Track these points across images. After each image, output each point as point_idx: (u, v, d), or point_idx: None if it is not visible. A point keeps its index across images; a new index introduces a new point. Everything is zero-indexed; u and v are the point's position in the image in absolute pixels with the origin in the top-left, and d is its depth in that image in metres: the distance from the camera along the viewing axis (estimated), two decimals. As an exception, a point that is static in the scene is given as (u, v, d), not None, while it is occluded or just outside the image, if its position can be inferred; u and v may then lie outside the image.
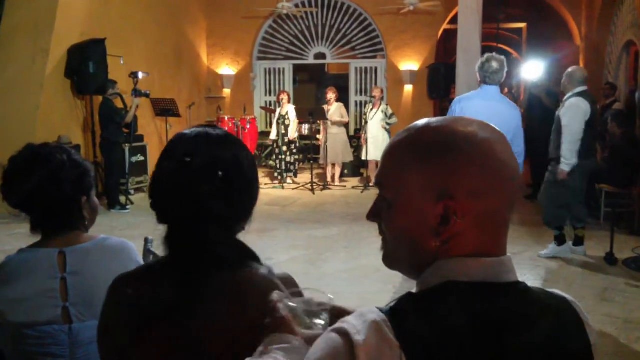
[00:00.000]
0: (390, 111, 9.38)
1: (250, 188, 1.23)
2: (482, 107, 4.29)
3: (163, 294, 1.14)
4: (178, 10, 11.06)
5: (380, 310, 0.82)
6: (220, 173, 1.15)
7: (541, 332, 0.83)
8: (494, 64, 4.36)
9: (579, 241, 5.66)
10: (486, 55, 4.48)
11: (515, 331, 0.81)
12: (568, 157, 5.14)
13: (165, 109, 9.54)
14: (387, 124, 9.30)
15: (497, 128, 0.93)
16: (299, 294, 1.09)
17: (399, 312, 0.82)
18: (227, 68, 12.63)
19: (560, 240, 5.63)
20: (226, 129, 8.08)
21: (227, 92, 12.70)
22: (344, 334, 0.80)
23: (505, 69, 4.41)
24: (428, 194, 0.84)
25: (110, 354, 1.19)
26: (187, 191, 1.14)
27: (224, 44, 12.46)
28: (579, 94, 5.24)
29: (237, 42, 12.42)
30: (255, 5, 11.45)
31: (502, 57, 4.41)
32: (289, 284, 1.19)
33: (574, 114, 5.14)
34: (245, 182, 1.22)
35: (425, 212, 0.84)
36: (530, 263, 5.45)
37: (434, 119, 0.91)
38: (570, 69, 5.49)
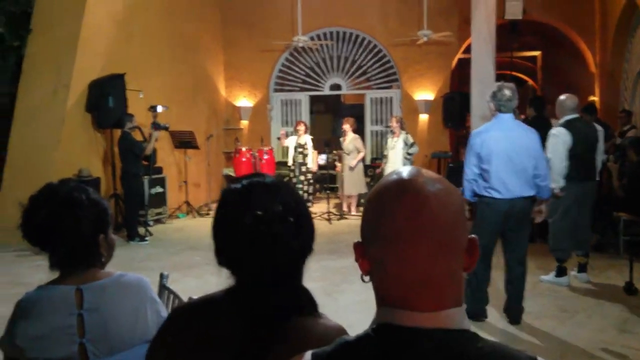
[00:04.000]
0: (410, 140, 9.16)
1: (312, 222, 1.28)
2: (502, 138, 4.35)
3: (230, 331, 1.18)
4: (196, 45, 11.29)
5: (314, 353, 0.87)
6: (291, 219, 1.20)
7: None
8: (507, 92, 4.40)
9: (581, 268, 5.71)
10: (497, 84, 4.54)
11: None
12: (556, 182, 5.27)
13: (184, 141, 9.69)
14: (409, 153, 9.13)
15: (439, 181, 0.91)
16: None
17: (330, 356, 0.85)
18: (244, 100, 12.81)
19: (560, 272, 5.64)
20: (244, 159, 8.16)
21: (244, 123, 12.86)
22: None
23: (517, 96, 4.46)
24: None
25: None
26: (271, 241, 1.18)
27: (241, 77, 12.66)
28: (567, 122, 5.42)
29: (254, 75, 12.62)
30: (272, 39, 11.66)
31: (513, 85, 4.47)
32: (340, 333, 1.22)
33: (553, 145, 5.33)
34: (309, 217, 1.27)
35: None
36: (550, 294, 5.38)
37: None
38: (561, 97, 5.63)
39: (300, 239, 1.22)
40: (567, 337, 4.28)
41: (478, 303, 4.58)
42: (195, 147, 9.84)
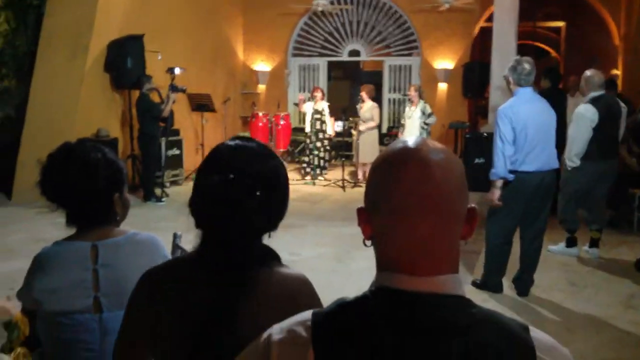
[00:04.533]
0: (429, 110, 8.97)
1: (286, 199, 1.33)
2: (530, 111, 4.32)
3: (201, 291, 1.24)
4: (215, 7, 11.23)
5: (315, 313, 0.90)
6: (259, 191, 1.24)
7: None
8: (527, 66, 4.37)
9: (593, 243, 5.69)
10: (516, 59, 4.50)
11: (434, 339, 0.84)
12: (573, 161, 5.30)
13: (201, 104, 9.71)
14: (426, 123, 8.98)
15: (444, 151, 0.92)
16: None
17: (328, 315, 0.89)
18: (262, 64, 12.76)
19: (569, 242, 5.68)
20: (260, 124, 8.20)
21: (261, 88, 12.84)
22: (268, 334, 0.90)
23: (535, 70, 4.42)
24: None
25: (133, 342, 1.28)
26: (231, 206, 1.23)
27: (259, 41, 12.59)
28: (593, 99, 5.32)
29: (273, 39, 12.54)
30: (291, 2, 11.54)
31: (531, 58, 4.43)
32: (303, 284, 1.28)
33: (579, 123, 5.27)
34: (282, 194, 1.31)
35: None
36: (560, 267, 5.40)
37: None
38: (588, 73, 5.50)
39: (264, 215, 1.26)
40: (575, 310, 4.33)
41: (496, 276, 4.63)
42: (212, 110, 9.87)
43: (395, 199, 0.88)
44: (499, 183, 4.33)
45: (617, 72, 11.43)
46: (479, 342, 0.83)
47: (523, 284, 4.64)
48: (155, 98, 8.19)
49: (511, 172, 4.32)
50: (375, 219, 0.92)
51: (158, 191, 8.12)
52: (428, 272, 0.88)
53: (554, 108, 4.79)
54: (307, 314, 0.91)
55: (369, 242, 0.95)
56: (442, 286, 0.88)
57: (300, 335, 0.88)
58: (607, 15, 11.53)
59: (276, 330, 0.91)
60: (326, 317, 0.89)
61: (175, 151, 9.24)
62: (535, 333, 0.87)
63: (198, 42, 10.46)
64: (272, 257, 1.31)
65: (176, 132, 9.28)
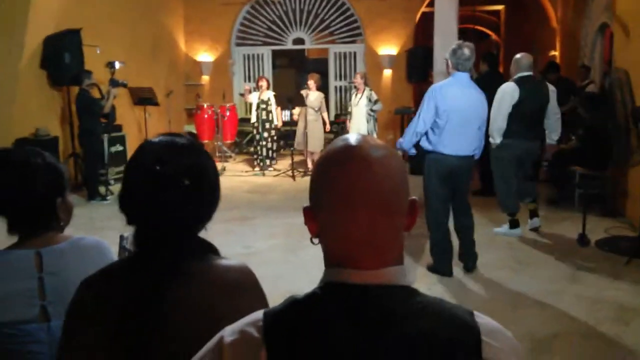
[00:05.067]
0: (374, 97, 9.09)
1: (214, 194, 1.32)
2: (459, 96, 4.44)
3: (131, 289, 1.21)
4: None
5: (266, 312, 0.91)
6: (187, 182, 1.23)
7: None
8: (466, 51, 4.46)
9: (533, 214, 5.95)
10: (457, 43, 4.58)
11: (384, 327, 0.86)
12: (493, 137, 5.53)
13: (143, 97, 9.50)
14: (372, 110, 9.11)
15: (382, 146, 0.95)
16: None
17: (279, 313, 0.91)
18: (205, 55, 12.57)
19: (512, 224, 5.87)
20: (205, 116, 8.10)
21: (205, 79, 12.65)
22: (220, 336, 0.91)
23: (475, 56, 4.52)
24: None
25: (78, 353, 1.25)
26: (157, 199, 1.22)
27: (201, 31, 12.39)
28: (519, 79, 5.56)
29: (215, 29, 12.36)
30: (233, -9, 11.40)
31: (472, 44, 4.52)
32: (244, 274, 1.27)
33: (499, 99, 5.48)
34: (210, 189, 1.31)
35: None
36: (506, 246, 5.57)
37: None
38: (517, 55, 5.76)
39: (192, 206, 1.26)
40: (521, 287, 4.47)
41: (445, 260, 4.73)
42: (155, 103, 9.67)
43: (339, 195, 0.90)
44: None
45: (555, 53, 11.80)
46: (425, 330, 0.85)
47: (468, 259, 4.79)
48: (95, 94, 7.95)
49: (430, 151, 4.52)
50: (320, 216, 0.94)
51: (102, 189, 7.92)
52: (374, 265, 0.90)
53: (492, 91, 4.93)
54: (258, 314, 0.92)
55: (316, 240, 0.97)
56: (389, 277, 0.90)
57: (252, 336, 0.88)
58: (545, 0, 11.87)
59: (228, 332, 0.91)
60: (277, 316, 0.90)
61: (119, 147, 9.01)
62: (480, 318, 0.90)
63: (138, 34, 10.19)
64: (210, 251, 1.30)
65: (119, 128, 9.06)
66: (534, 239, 5.78)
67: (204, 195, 1.29)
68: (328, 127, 9.84)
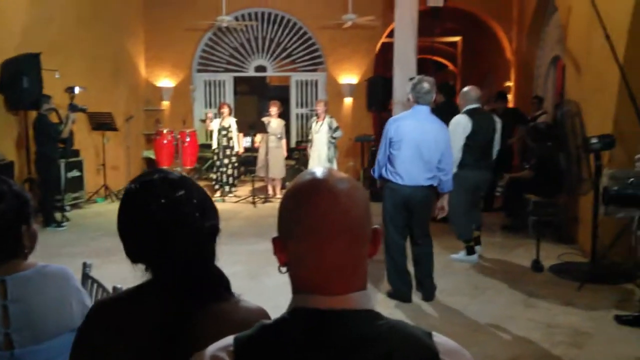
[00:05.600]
0: (335, 124, 9.29)
1: (215, 207, 1.37)
2: (414, 127, 4.58)
3: (155, 320, 1.21)
4: (116, 23, 10.91)
5: (236, 337, 0.95)
6: (195, 200, 1.28)
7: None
8: (426, 85, 4.61)
9: (476, 241, 6.14)
10: (417, 77, 4.74)
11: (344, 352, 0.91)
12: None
13: (102, 123, 9.39)
14: (333, 137, 9.26)
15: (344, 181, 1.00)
16: None
17: (249, 338, 0.95)
18: (166, 80, 12.53)
19: (469, 251, 6.05)
20: (165, 142, 8.03)
21: (166, 104, 12.59)
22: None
23: (435, 89, 4.68)
24: None
25: None
26: (182, 226, 1.25)
27: (162, 56, 12.37)
28: (468, 111, 5.84)
29: (177, 54, 12.36)
30: (195, 18, 11.45)
31: (432, 79, 4.67)
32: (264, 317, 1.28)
33: (453, 130, 5.62)
34: (211, 203, 1.35)
35: None
36: (463, 272, 5.68)
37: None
38: (464, 88, 6.07)
39: (206, 218, 1.29)
40: (478, 312, 4.56)
41: (401, 285, 4.80)
42: (114, 129, 9.56)
43: (308, 226, 0.95)
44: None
45: (510, 84, 12.20)
46: (387, 351, 0.90)
47: (426, 290, 4.85)
48: (54, 118, 7.84)
49: (385, 180, 4.69)
50: (289, 245, 0.98)
51: (58, 216, 7.76)
52: (340, 291, 0.95)
53: (448, 121, 5.10)
54: (229, 339, 0.95)
55: (284, 269, 1.02)
56: (353, 302, 0.95)
57: (221, 357, 0.92)
58: (500, 31, 12.27)
59: (200, 358, 0.94)
60: (247, 341, 0.94)
61: (76, 173, 8.87)
62: (438, 338, 0.96)
63: (98, 59, 10.11)
64: (225, 285, 1.32)
65: (76, 153, 8.92)
66: (490, 265, 5.91)
67: (211, 211, 1.33)
68: (285, 153, 9.92)
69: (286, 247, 0.99)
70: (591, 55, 6.32)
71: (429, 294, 4.84)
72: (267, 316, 1.28)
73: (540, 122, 8.44)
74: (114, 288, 1.88)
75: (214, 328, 1.18)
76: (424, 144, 4.56)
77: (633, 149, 5.24)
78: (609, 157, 5.51)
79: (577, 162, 6.07)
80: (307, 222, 0.95)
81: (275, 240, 1.01)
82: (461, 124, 5.74)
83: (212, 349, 0.94)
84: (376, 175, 4.80)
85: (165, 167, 1.40)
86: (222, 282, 1.31)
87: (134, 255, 1.28)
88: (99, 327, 1.28)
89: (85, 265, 1.88)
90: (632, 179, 2.50)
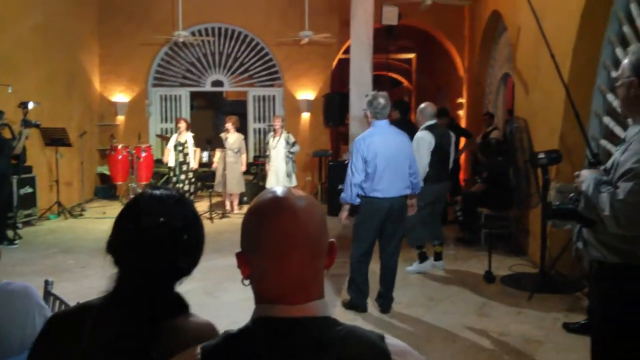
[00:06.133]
0: (292, 139, 9.42)
1: (201, 249, 1.41)
2: (383, 142, 4.74)
3: (114, 338, 1.25)
4: (71, 37, 10.76)
5: (203, 346, 1.02)
6: (185, 236, 1.33)
7: None
8: (382, 100, 4.77)
9: (437, 257, 6.31)
10: (372, 93, 4.88)
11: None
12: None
13: (55, 138, 9.22)
14: (290, 152, 9.38)
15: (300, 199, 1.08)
16: None
17: (215, 346, 1.01)
18: (121, 95, 12.38)
19: (422, 258, 6.23)
20: (120, 157, 7.92)
21: (120, 119, 12.42)
22: None
23: (389, 103, 4.84)
24: None
25: None
26: (161, 247, 1.29)
27: (117, 71, 12.23)
28: (428, 127, 6.07)
29: (132, 69, 12.24)
30: (151, 33, 11.39)
31: (386, 93, 4.85)
32: (211, 332, 1.33)
33: (419, 146, 5.86)
34: (201, 240, 1.40)
35: None
36: (418, 284, 5.81)
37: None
38: (421, 105, 6.30)
39: (188, 257, 1.35)
40: (433, 322, 4.69)
41: (361, 297, 4.93)
42: (68, 144, 9.39)
43: (270, 241, 1.03)
44: (347, 206, 4.81)
45: (462, 100, 12.53)
46: (345, 354, 0.99)
47: (384, 302, 4.97)
48: (6, 134, 7.66)
49: (364, 197, 4.73)
50: (252, 259, 1.06)
51: (10, 233, 7.57)
52: (300, 301, 1.03)
53: None
54: (196, 349, 1.02)
55: (247, 281, 1.09)
56: (312, 310, 1.04)
57: None
58: (453, 49, 12.62)
59: None
60: (213, 349, 1.01)
61: (28, 189, 8.66)
62: (390, 340, 1.05)
63: (52, 73, 9.94)
64: (183, 305, 1.36)
65: (29, 169, 8.72)
66: (445, 276, 6.07)
67: (197, 246, 1.37)
68: (244, 167, 9.93)
69: (249, 261, 1.06)
70: (539, 73, 6.59)
71: (386, 306, 4.95)
72: (215, 330, 1.34)
73: (491, 138, 8.72)
74: (46, 282, 1.90)
75: (166, 342, 1.24)
76: (393, 156, 4.74)
77: (579, 164, 5.49)
78: (556, 171, 5.74)
79: (526, 177, 6.32)
80: (269, 237, 1.03)
81: (239, 255, 1.09)
82: (426, 140, 5.96)
83: (178, 357, 1.00)
84: (350, 197, 4.73)
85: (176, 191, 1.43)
86: (180, 303, 1.36)
87: (112, 252, 1.33)
88: (53, 339, 1.30)
89: (47, 282, 1.89)
90: (572, 194, 2.65)
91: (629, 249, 2.28)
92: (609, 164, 2.43)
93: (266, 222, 1.04)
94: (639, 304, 2.30)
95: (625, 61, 2.38)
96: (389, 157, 4.72)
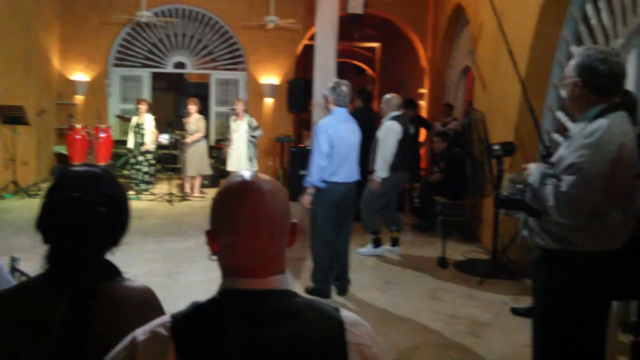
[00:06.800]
0: (255, 123, 9.46)
1: (125, 221, 1.50)
2: (343, 127, 4.89)
3: (47, 307, 1.32)
4: (28, 13, 10.47)
5: (173, 315, 1.11)
6: (103, 209, 1.40)
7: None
8: (344, 88, 4.87)
9: (394, 242, 6.51)
10: (335, 81, 4.97)
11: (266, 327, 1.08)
12: (384, 171, 6.04)
13: (12, 116, 9.02)
14: (252, 136, 9.40)
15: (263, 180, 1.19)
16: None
17: (185, 315, 1.10)
18: (80, 74, 12.14)
19: (376, 243, 6.43)
20: (78, 137, 7.80)
21: (79, 98, 12.18)
22: (133, 336, 1.09)
23: (351, 92, 4.96)
24: None
25: None
26: (75, 223, 1.37)
27: (77, 50, 11.97)
28: (394, 118, 6.22)
29: (93, 48, 12.00)
30: (113, 12, 11.19)
31: (348, 82, 4.94)
32: (147, 294, 1.44)
33: (387, 135, 6.05)
34: (122, 217, 1.48)
35: None
36: (375, 268, 5.97)
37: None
38: (387, 96, 6.45)
39: (106, 232, 1.43)
40: (388, 305, 4.86)
41: (323, 282, 5.02)
42: (25, 123, 9.20)
43: (238, 220, 1.13)
44: (311, 190, 4.86)
45: (424, 91, 12.73)
46: (302, 323, 1.10)
47: (341, 285, 5.11)
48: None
49: (324, 181, 4.85)
50: (221, 237, 1.16)
51: (-36, 211, 7.42)
52: (263, 274, 1.14)
53: (365, 125, 5.40)
54: (166, 317, 1.11)
55: (214, 257, 1.19)
56: (274, 284, 1.15)
57: (162, 334, 1.07)
58: (416, 40, 12.77)
59: (140, 332, 1.09)
60: (183, 317, 1.10)
61: (-17, 167, 8.49)
62: (344, 312, 1.18)
63: (9, 50, 9.67)
64: (115, 272, 1.45)
65: (-16, 147, 8.54)
66: (401, 261, 6.26)
67: (117, 222, 1.46)
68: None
69: (218, 239, 1.16)
70: (497, 68, 6.79)
71: (342, 288, 5.08)
72: (153, 294, 1.46)
73: (449, 129, 8.94)
74: (12, 258, 1.93)
75: (104, 307, 1.34)
76: (351, 143, 4.92)
77: (532, 155, 5.71)
78: (510, 162, 5.95)
79: (481, 167, 6.52)
80: (238, 216, 1.13)
81: (208, 232, 1.18)
82: (394, 129, 6.11)
83: (151, 325, 1.09)
84: (317, 180, 4.79)
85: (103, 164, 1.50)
86: (111, 269, 1.45)
87: (39, 228, 1.41)
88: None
89: (13, 259, 1.93)
90: (519, 186, 2.82)
91: (569, 237, 2.45)
92: (554, 158, 2.59)
93: (235, 202, 1.14)
94: (576, 288, 2.47)
95: (572, 62, 2.53)
96: (347, 144, 4.88)
